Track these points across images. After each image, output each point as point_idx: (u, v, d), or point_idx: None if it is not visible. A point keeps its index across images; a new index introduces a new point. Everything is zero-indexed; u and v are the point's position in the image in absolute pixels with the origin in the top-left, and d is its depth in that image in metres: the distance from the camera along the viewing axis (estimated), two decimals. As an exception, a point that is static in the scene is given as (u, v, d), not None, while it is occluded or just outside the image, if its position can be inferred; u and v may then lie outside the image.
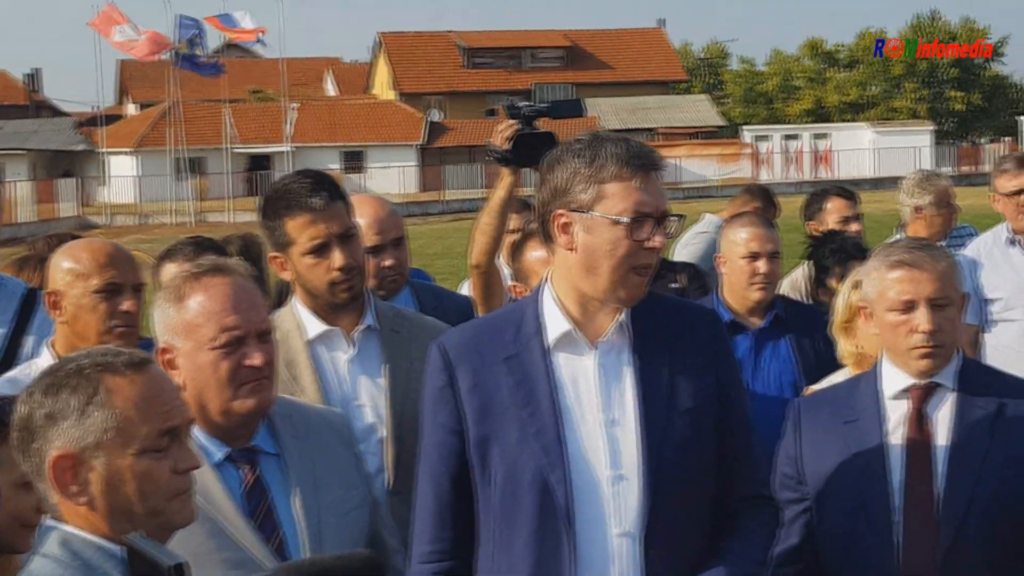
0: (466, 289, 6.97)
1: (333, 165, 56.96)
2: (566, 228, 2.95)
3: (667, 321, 3.06)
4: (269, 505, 3.03)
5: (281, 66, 58.40)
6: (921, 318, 3.37)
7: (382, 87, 74.88)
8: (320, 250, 3.72)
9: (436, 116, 66.41)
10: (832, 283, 5.49)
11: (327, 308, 3.81)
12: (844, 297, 4.35)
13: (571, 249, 2.95)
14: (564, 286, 3.02)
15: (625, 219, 2.90)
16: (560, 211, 2.95)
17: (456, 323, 4.08)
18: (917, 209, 6.85)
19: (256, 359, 3.01)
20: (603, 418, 2.97)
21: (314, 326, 3.81)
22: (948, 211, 6.91)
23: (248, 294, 3.06)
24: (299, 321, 3.83)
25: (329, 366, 3.80)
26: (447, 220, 46.41)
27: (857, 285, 4.33)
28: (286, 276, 3.86)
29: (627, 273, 2.95)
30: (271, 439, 3.11)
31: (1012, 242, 6.16)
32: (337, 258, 3.73)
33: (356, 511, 3.18)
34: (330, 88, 79.91)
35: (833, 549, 3.50)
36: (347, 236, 3.77)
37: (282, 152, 58.13)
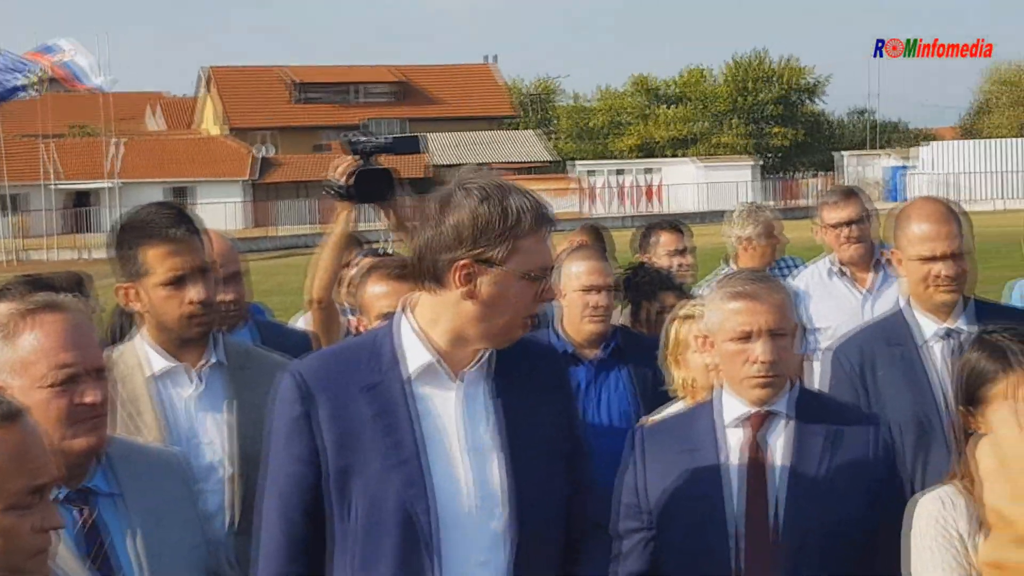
0: (301, 324, 6.93)
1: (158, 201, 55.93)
2: (469, 278, 2.91)
3: (518, 356, 3.08)
4: (107, 546, 2.96)
5: (104, 100, 57.24)
6: (759, 348, 3.45)
7: (210, 122, 74.07)
8: (177, 282, 3.67)
9: (266, 151, 65.90)
10: (646, 312, 5.58)
11: (175, 343, 3.75)
12: (672, 329, 4.44)
13: (471, 298, 2.93)
14: (440, 323, 2.99)
15: (535, 275, 2.93)
16: (466, 261, 2.90)
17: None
18: (745, 240, 7.02)
19: (91, 397, 2.93)
20: (466, 448, 2.98)
21: (158, 362, 3.75)
22: (773, 242, 7.11)
23: (82, 331, 2.99)
24: (143, 357, 3.76)
25: (173, 403, 3.74)
26: (278, 256, 45.98)
27: (683, 318, 4.43)
28: (135, 308, 3.78)
29: (522, 321, 3.00)
30: (108, 479, 3.03)
31: (836, 273, 6.32)
32: (194, 292, 3.68)
33: (196, 550, 3.13)
34: (156, 123, 78.69)
35: (675, 576, 3.53)
36: (204, 270, 3.74)
37: (107, 188, 56.99)
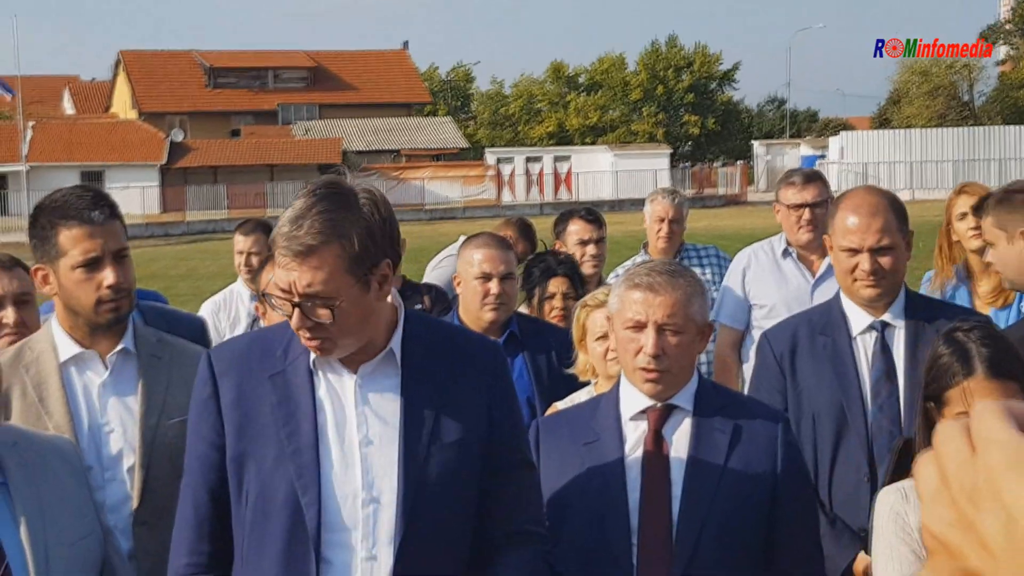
0: (206, 311, 6.90)
1: (71, 184, 55.10)
2: (385, 278, 2.92)
3: (440, 349, 3.06)
4: (-8, 537, 2.93)
5: (16, 83, 56.41)
6: (647, 340, 3.41)
7: (123, 106, 73.11)
8: (92, 265, 3.59)
9: (178, 136, 65.15)
10: (537, 298, 5.63)
11: (87, 328, 3.67)
12: (579, 316, 4.50)
13: (383, 300, 2.96)
14: None
15: None
16: (389, 262, 2.91)
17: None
18: (657, 222, 7.09)
19: None
20: (360, 440, 2.96)
21: (68, 347, 3.68)
22: (680, 227, 7.17)
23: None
24: (54, 342, 3.69)
25: (80, 389, 3.68)
26: (190, 241, 45.61)
27: (588, 305, 4.48)
28: (47, 291, 3.71)
29: None
30: (-6, 468, 3.01)
31: (786, 254, 6.31)
32: (108, 275, 3.60)
33: (85, 540, 3.09)
34: (68, 107, 77.56)
35: (572, 572, 3.48)
36: (121, 256, 3.65)
37: (18, 171, 56.16)
